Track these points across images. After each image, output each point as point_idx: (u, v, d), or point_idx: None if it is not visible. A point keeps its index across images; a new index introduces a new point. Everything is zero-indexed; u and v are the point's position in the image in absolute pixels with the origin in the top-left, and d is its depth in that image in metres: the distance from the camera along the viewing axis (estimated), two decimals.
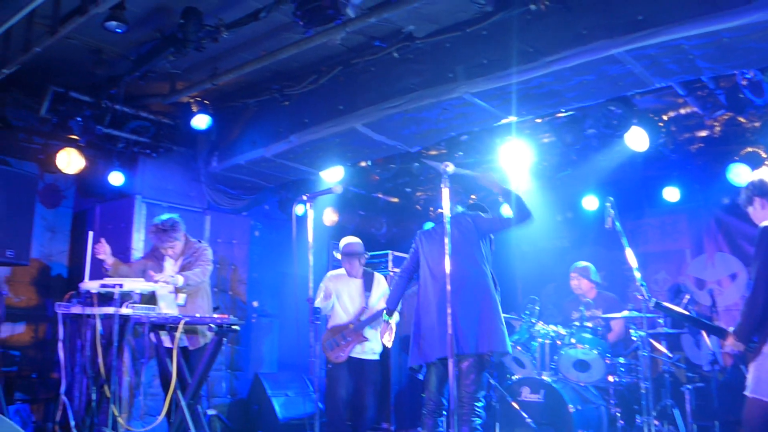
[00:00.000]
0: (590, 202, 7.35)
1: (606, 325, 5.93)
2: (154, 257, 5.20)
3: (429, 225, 4.70)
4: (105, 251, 4.97)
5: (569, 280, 6.34)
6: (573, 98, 4.66)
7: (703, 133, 6.25)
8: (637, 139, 5.44)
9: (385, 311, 4.67)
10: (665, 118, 5.83)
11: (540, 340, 5.71)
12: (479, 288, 4.15)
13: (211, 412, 6.12)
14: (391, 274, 6.58)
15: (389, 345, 4.99)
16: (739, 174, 5.99)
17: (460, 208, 4.48)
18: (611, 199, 4.81)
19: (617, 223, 4.81)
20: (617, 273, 7.19)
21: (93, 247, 4.87)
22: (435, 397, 4.18)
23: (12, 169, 5.53)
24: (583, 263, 6.27)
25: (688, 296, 5.79)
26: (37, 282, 6.57)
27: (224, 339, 4.50)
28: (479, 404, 4.06)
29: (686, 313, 3.69)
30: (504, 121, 5.16)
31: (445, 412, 4.17)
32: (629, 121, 5.08)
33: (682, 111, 5.65)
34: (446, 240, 3.62)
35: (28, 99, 5.73)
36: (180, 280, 4.72)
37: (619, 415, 5.27)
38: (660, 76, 4.27)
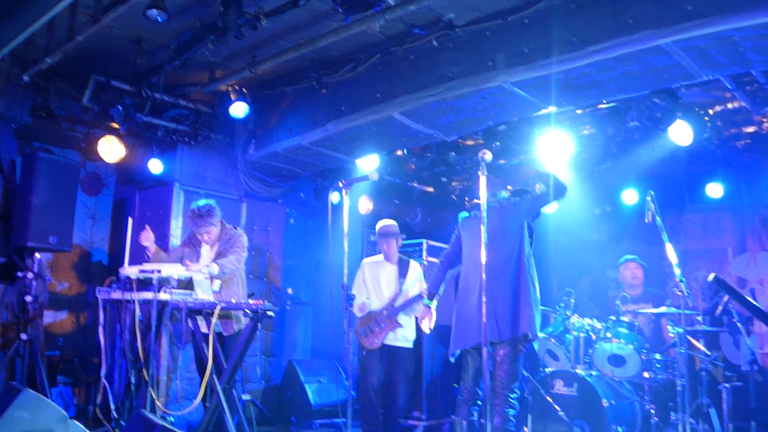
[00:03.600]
0: (630, 196, 7.21)
1: (656, 321, 5.85)
2: (191, 244, 5.27)
3: (464, 214, 4.65)
4: (149, 238, 5.08)
5: (618, 274, 6.25)
6: (616, 89, 4.56)
7: (751, 129, 6.07)
8: (681, 133, 5.31)
9: (426, 296, 4.70)
10: (711, 112, 5.67)
11: (575, 333, 5.64)
12: (519, 275, 4.14)
13: (245, 397, 6.19)
14: (425, 263, 6.57)
15: (428, 331, 5.00)
16: None
17: (504, 194, 4.44)
18: (652, 193, 4.73)
19: (657, 218, 4.73)
20: (655, 269, 7.05)
21: (137, 234, 4.97)
22: (470, 386, 4.20)
23: (55, 157, 5.64)
24: (632, 256, 6.18)
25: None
26: (78, 268, 6.72)
27: (259, 325, 4.54)
28: (513, 395, 4.04)
29: (740, 292, 3.60)
30: (543, 111, 5.08)
31: (479, 402, 4.18)
32: (674, 114, 4.95)
33: (730, 105, 5.49)
34: (483, 228, 3.60)
35: (70, 88, 5.84)
36: (215, 269, 4.77)
37: (653, 411, 5.19)
38: (708, 68, 4.15)
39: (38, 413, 4.14)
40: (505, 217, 4.25)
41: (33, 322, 5.27)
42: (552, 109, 5.03)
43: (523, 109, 5.08)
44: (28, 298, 5.24)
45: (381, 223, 5.92)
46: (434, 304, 4.78)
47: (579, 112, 5.85)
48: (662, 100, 4.89)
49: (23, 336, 5.19)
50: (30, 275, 5.28)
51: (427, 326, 4.84)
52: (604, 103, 5.45)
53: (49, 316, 6.32)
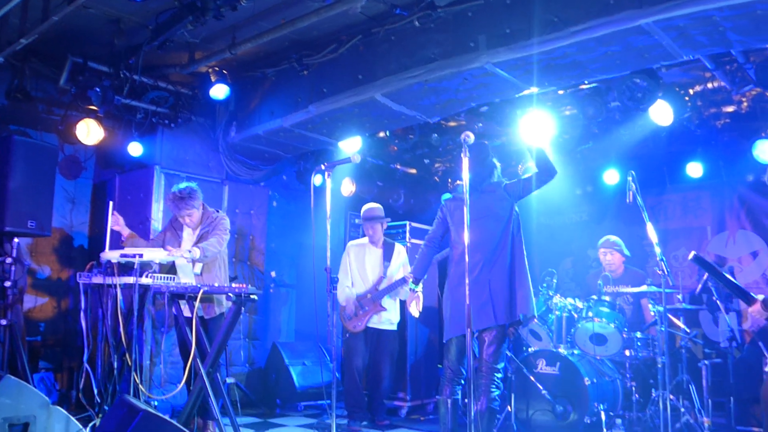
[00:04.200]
0: (611, 177, 7.26)
1: (636, 302, 5.92)
2: (173, 228, 5.23)
3: (447, 196, 4.60)
4: (119, 223, 5.00)
5: (598, 254, 6.28)
6: (597, 70, 4.57)
7: (730, 109, 6.12)
8: (661, 113, 5.34)
9: (411, 280, 4.64)
10: (691, 92, 5.71)
11: (557, 313, 5.69)
12: (513, 257, 4.13)
13: (230, 380, 6.19)
14: (409, 245, 6.59)
15: (416, 315, 5.00)
16: (765, 151, 5.87)
17: (497, 177, 4.39)
18: (633, 173, 4.76)
19: (639, 198, 4.77)
20: (637, 248, 7.12)
21: (108, 219, 4.91)
22: (454, 366, 4.18)
23: (32, 140, 5.54)
24: (613, 237, 6.20)
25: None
26: (59, 252, 6.64)
27: (242, 308, 4.53)
28: (498, 375, 4.08)
29: (720, 270, 3.64)
30: (525, 92, 5.08)
31: (463, 381, 4.19)
32: (654, 94, 4.97)
33: (710, 85, 5.52)
34: (465, 210, 3.59)
35: (47, 69, 5.73)
36: (197, 252, 4.75)
37: (634, 389, 5.26)
38: (688, 48, 4.16)
39: (20, 399, 4.10)
40: (496, 200, 4.22)
41: (13, 308, 5.21)
42: (534, 89, 5.04)
43: (505, 90, 5.08)
44: (7, 284, 5.17)
45: (366, 207, 5.91)
46: (420, 287, 4.75)
47: (561, 92, 5.86)
48: (643, 80, 4.90)
49: (3, 321, 5.12)
50: (8, 260, 5.21)
51: (415, 310, 4.84)
52: (585, 84, 5.46)
53: (29, 302, 6.25)
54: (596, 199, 7.86)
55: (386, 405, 6.09)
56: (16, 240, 5.28)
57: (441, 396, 4.20)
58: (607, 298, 5.54)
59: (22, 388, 4.17)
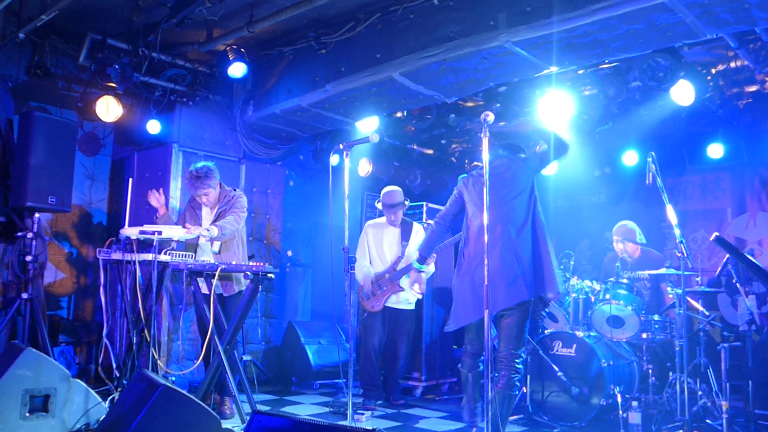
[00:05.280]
0: (630, 158, 7.19)
1: (654, 285, 5.87)
2: (192, 207, 5.28)
3: (465, 176, 4.49)
4: (160, 201, 5.10)
5: (612, 241, 6.23)
6: (618, 48, 4.50)
7: (753, 89, 6.01)
8: (682, 93, 5.26)
9: (416, 259, 4.54)
10: (713, 71, 5.61)
11: (574, 295, 5.66)
12: (536, 233, 4.03)
13: (246, 357, 6.27)
14: (425, 225, 6.57)
15: (419, 296, 4.99)
16: None
17: (502, 152, 4.32)
18: (653, 154, 4.70)
19: (658, 179, 4.71)
20: (655, 230, 7.07)
21: (137, 195, 4.98)
22: (477, 344, 4.11)
23: (52, 116, 5.57)
24: (629, 226, 6.11)
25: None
26: (78, 228, 6.72)
27: (260, 287, 4.56)
28: (519, 360, 3.96)
29: (742, 252, 3.60)
30: (545, 71, 5.02)
31: (483, 352, 4.09)
32: (676, 73, 4.89)
33: (732, 64, 5.43)
34: (485, 191, 3.48)
35: (66, 46, 5.76)
36: (215, 231, 4.79)
37: (651, 371, 5.24)
38: (712, 26, 4.08)
39: (41, 371, 4.17)
40: (516, 174, 4.12)
41: (33, 282, 5.29)
42: (553, 69, 4.98)
43: (525, 70, 5.02)
44: (28, 258, 5.25)
45: (386, 192, 5.85)
46: (426, 268, 4.68)
47: (580, 72, 5.79)
48: (665, 59, 4.83)
49: (24, 295, 5.22)
50: (30, 235, 5.28)
51: (417, 290, 4.80)
52: (605, 63, 5.38)
53: (49, 276, 6.34)
54: (615, 180, 7.79)
55: (401, 384, 6.12)
56: (37, 215, 5.35)
57: (462, 368, 4.16)
58: (624, 281, 5.51)
59: (43, 361, 4.24)
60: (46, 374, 4.20)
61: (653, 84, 4.96)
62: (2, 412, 4.03)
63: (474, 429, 4.94)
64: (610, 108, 6.44)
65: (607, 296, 5.42)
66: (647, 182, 4.67)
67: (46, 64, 5.64)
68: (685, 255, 4.55)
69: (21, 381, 4.10)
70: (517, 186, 4.09)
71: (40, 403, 4.18)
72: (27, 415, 4.13)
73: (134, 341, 4.66)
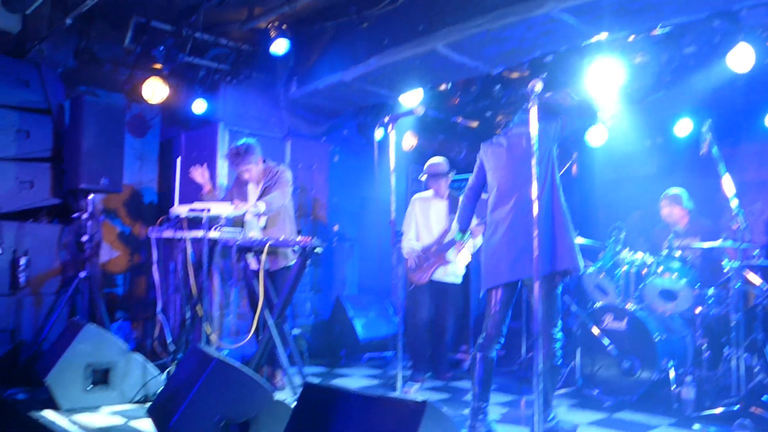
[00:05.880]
0: (683, 127, 6.94)
1: (706, 255, 5.70)
2: (239, 184, 5.34)
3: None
4: (205, 177, 5.18)
5: (659, 208, 6.08)
6: (673, 12, 4.32)
7: None
8: (740, 59, 5.02)
9: (458, 230, 4.50)
10: None
11: (625, 267, 5.55)
12: (552, 204, 3.85)
13: (296, 331, 6.37)
14: None
15: (468, 258, 4.97)
16: None
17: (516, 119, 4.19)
18: (708, 122, 4.53)
19: (714, 149, 4.56)
20: (709, 202, 6.82)
21: (186, 174, 5.07)
22: (496, 324, 3.95)
23: (101, 100, 5.70)
24: (674, 190, 5.99)
25: None
26: (130, 208, 6.89)
27: (307, 261, 4.61)
28: (555, 329, 3.86)
29: None
30: (594, 39, 4.88)
31: (502, 339, 3.97)
32: (734, 38, 4.68)
33: None
34: (533, 162, 3.33)
35: (112, 30, 5.84)
36: (262, 206, 4.84)
37: (704, 346, 5.12)
38: None
39: (101, 346, 4.34)
40: (529, 140, 3.88)
41: (90, 261, 5.47)
42: (603, 36, 4.82)
43: (572, 38, 4.89)
44: (84, 238, 5.43)
45: (430, 163, 5.84)
46: (474, 239, 4.65)
47: (631, 39, 5.58)
48: (722, 23, 4.62)
49: (82, 274, 5.40)
50: (85, 216, 5.45)
51: (464, 256, 4.69)
52: (658, 29, 5.18)
53: (105, 255, 6.53)
54: (666, 150, 7.55)
55: (449, 358, 6.14)
56: (90, 197, 5.51)
57: (480, 353, 3.94)
58: (677, 253, 5.37)
59: (103, 336, 4.40)
60: (106, 348, 4.36)
61: (709, 50, 4.77)
62: (67, 385, 4.21)
63: (523, 399, 4.95)
64: (662, 76, 6.19)
65: (660, 269, 5.29)
66: (702, 152, 4.52)
67: (93, 48, 5.75)
68: (742, 227, 4.41)
69: (83, 355, 4.27)
70: (527, 156, 3.82)
71: (101, 376, 4.35)
72: (89, 387, 4.30)
73: (187, 316, 4.78)
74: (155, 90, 6.14)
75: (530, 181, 3.69)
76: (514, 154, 3.98)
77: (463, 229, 4.43)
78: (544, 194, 3.81)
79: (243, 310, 6.12)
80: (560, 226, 3.83)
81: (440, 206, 5.80)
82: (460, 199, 4.39)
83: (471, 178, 4.32)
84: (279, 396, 3.23)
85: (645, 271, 5.43)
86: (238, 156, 5.10)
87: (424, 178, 5.86)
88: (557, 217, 3.84)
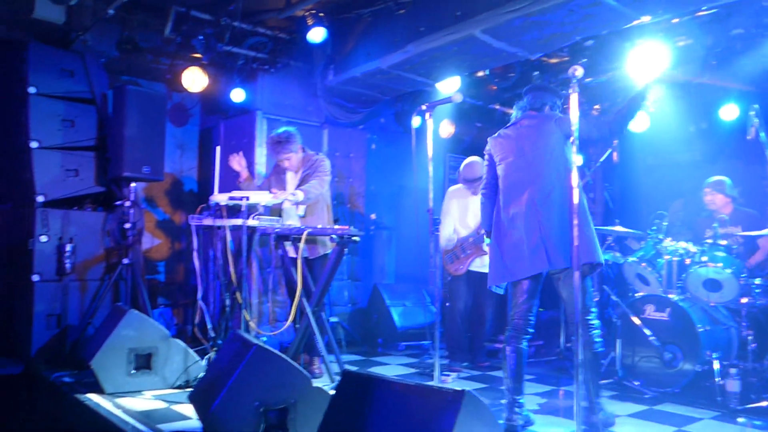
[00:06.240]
0: (729, 112, 6.75)
1: (748, 243, 5.55)
2: (277, 172, 5.38)
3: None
4: (242, 164, 5.24)
5: (702, 195, 5.93)
6: None
7: None
8: None
9: (484, 234, 4.29)
10: None
11: (667, 257, 5.44)
12: (569, 194, 3.63)
13: (333, 319, 6.41)
14: None
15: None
16: None
17: (546, 110, 3.99)
18: (756, 107, 4.39)
19: (762, 134, 4.42)
20: (756, 189, 6.63)
21: (225, 162, 5.13)
22: (523, 315, 3.87)
23: (143, 89, 5.80)
24: (717, 177, 5.84)
25: None
26: (171, 196, 7.01)
27: (345, 249, 4.63)
28: (590, 316, 3.75)
29: None
30: (636, 22, 4.74)
31: (531, 330, 3.89)
32: None
33: None
34: (574, 149, 3.27)
35: (153, 20, 5.92)
36: (300, 195, 4.87)
37: (750, 338, 4.99)
38: None
39: (143, 331, 4.43)
40: (544, 133, 3.83)
41: (133, 248, 5.58)
42: (646, 19, 4.68)
43: (615, 21, 4.76)
44: (127, 225, 5.54)
45: (466, 165, 5.79)
46: None
47: (675, 21, 5.43)
48: None
49: (125, 260, 5.52)
50: (127, 204, 5.57)
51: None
52: (704, 10, 5.03)
53: (147, 242, 6.67)
54: (711, 136, 7.34)
55: (487, 347, 6.11)
56: (133, 185, 5.61)
57: (507, 346, 3.86)
58: (723, 242, 5.23)
59: (145, 321, 4.49)
60: (148, 334, 4.45)
61: (757, 31, 4.61)
62: (110, 368, 4.31)
63: (561, 389, 4.89)
64: (707, 59, 6.03)
65: (704, 258, 5.16)
66: (748, 137, 4.39)
67: (135, 38, 5.83)
68: None
69: (126, 340, 4.37)
70: (545, 147, 3.79)
71: (143, 361, 4.45)
72: (132, 372, 4.40)
73: (227, 303, 4.85)
74: (195, 79, 6.21)
75: (544, 173, 3.74)
76: (525, 145, 3.85)
77: (488, 230, 4.16)
78: (555, 191, 3.73)
79: (281, 297, 6.19)
80: (580, 218, 3.72)
81: (476, 201, 5.75)
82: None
83: (484, 176, 4.15)
84: (317, 383, 3.26)
85: (688, 260, 5.30)
86: (279, 144, 5.13)
87: (459, 179, 5.82)
88: (579, 210, 3.69)
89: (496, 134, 4.11)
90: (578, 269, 3.20)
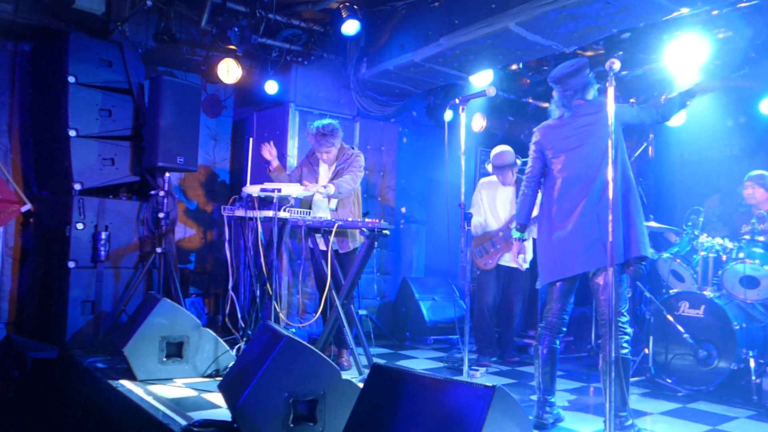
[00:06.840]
0: None
1: None
2: (309, 164, 5.39)
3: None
4: (273, 153, 5.27)
5: (741, 190, 5.80)
6: None
7: None
8: None
9: (516, 228, 4.12)
10: None
11: (703, 253, 5.32)
12: (624, 188, 3.63)
13: (362, 312, 6.43)
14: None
15: (524, 266, 4.79)
16: None
17: (594, 93, 3.85)
18: None
19: None
20: None
21: (258, 154, 5.16)
22: (557, 314, 3.81)
23: (179, 80, 5.86)
24: (759, 171, 5.69)
25: None
26: (204, 187, 7.09)
27: (375, 243, 4.63)
28: (623, 319, 3.64)
29: None
30: (674, 14, 4.64)
31: (564, 329, 3.83)
32: None
33: None
34: (609, 143, 3.17)
35: (189, 12, 5.98)
36: (332, 189, 4.87)
37: None
38: None
39: (175, 320, 4.48)
40: (596, 122, 3.69)
41: (166, 237, 5.66)
42: (684, 11, 4.59)
43: (652, 13, 4.66)
44: (161, 215, 5.62)
45: (496, 153, 5.71)
46: (528, 235, 4.37)
47: (714, 13, 5.30)
48: None
49: (158, 249, 5.60)
50: (161, 193, 5.64)
51: (523, 261, 4.54)
52: (744, 2, 4.90)
53: (179, 232, 6.76)
54: (750, 130, 7.17)
55: (516, 342, 6.07)
56: (167, 175, 5.69)
57: (540, 345, 3.80)
58: (761, 238, 5.11)
59: (177, 310, 4.55)
60: (180, 323, 4.51)
61: None
62: (142, 356, 4.38)
63: (591, 387, 4.84)
64: (747, 51, 5.88)
65: (741, 255, 5.05)
66: None
67: (172, 29, 5.90)
68: None
69: (158, 328, 4.43)
70: (597, 138, 3.64)
71: (175, 349, 4.51)
72: (164, 359, 4.46)
73: (257, 294, 4.89)
74: (229, 71, 6.26)
75: (600, 167, 3.59)
76: (576, 136, 3.74)
77: (524, 225, 4.06)
78: (617, 179, 3.58)
79: (310, 289, 6.22)
80: (635, 213, 3.64)
81: (507, 192, 5.72)
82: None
83: (529, 166, 3.99)
84: (345, 376, 3.27)
85: (724, 256, 5.19)
86: (323, 137, 5.12)
87: (489, 167, 5.75)
88: (632, 203, 3.64)
89: (543, 125, 3.96)
90: (615, 264, 3.14)
